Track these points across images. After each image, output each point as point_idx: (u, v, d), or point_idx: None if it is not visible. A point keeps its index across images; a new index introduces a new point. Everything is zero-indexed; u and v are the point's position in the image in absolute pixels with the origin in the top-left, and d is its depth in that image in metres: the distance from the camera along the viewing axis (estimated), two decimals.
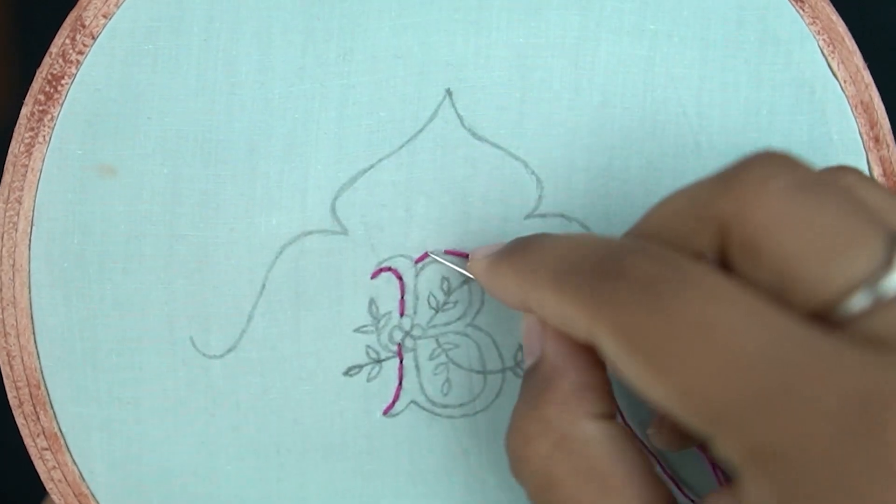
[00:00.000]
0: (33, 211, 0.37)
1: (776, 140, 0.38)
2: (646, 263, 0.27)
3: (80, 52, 0.37)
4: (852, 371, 0.24)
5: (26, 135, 0.37)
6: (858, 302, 0.26)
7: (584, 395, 0.30)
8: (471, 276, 0.36)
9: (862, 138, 0.38)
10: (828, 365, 0.24)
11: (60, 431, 0.38)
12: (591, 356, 0.30)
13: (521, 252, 0.32)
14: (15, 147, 0.37)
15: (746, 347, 0.25)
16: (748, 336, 0.25)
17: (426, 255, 0.38)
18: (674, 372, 0.25)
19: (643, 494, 0.28)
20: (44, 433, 0.38)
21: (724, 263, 0.28)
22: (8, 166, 0.37)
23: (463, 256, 0.38)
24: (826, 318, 0.26)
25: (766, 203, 0.27)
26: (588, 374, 0.30)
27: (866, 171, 0.38)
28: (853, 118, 0.38)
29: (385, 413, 0.39)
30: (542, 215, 0.38)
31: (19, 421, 0.38)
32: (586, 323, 0.28)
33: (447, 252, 0.38)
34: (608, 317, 0.27)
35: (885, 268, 0.26)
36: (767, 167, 0.27)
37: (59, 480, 0.38)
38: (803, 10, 0.38)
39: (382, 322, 0.38)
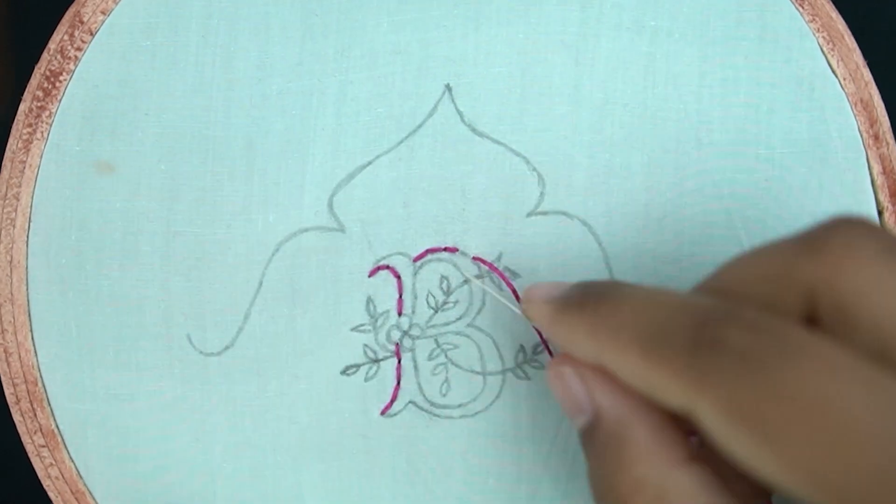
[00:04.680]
0: (31, 207, 0.37)
1: (776, 137, 0.38)
2: (744, 332, 0.26)
3: (79, 49, 0.37)
4: None
5: (24, 131, 0.37)
6: None
7: (663, 445, 0.29)
8: (521, 314, 0.34)
9: (861, 136, 0.38)
10: None
11: (57, 428, 0.38)
12: (652, 404, 0.30)
13: (594, 306, 0.30)
14: (13, 143, 0.37)
15: (869, 422, 0.24)
16: (870, 410, 0.24)
17: (426, 252, 0.38)
18: (788, 448, 0.24)
19: None
20: (41, 430, 0.38)
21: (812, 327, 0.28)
22: (6, 162, 0.37)
23: (486, 264, 0.38)
24: None
25: (859, 268, 0.26)
26: (659, 422, 0.30)
27: (865, 169, 0.38)
28: (853, 115, 0.38)
29: (383, 413, 0.38)
30: (544, 213, 0.38)
31: (16, 418, 0.37)
32: (682, 395, 0.27)
33: (475, 259, 0.38)
34: (710, 391, 0.26)
35: None
36: (853, 232, 0.27)
37: (56, 477, 0.38)
38: (803, 8, 0.38)
39: (380, 321, 0.38)
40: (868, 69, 0.38)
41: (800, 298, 0.28)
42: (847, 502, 0.24)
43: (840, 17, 0.38)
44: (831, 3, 0.38)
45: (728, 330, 0.26)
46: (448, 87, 0.37)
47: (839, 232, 0.27)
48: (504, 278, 0.37)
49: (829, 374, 0.24)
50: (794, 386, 0.24)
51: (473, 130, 0.37)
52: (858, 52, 0.38)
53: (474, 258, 0.38)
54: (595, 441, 0.30)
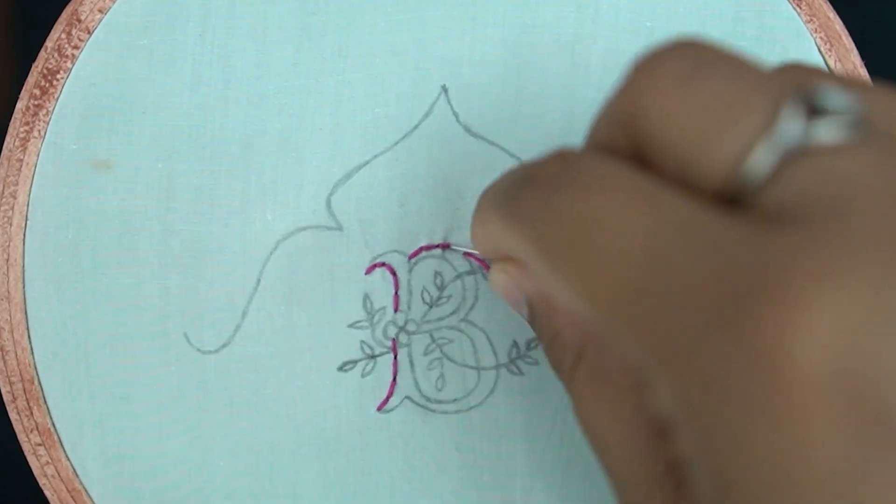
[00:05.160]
0: (28, 205, 0.37)
1: None
2: (549, 164, 0.25)
3: (76, 47, 0.37)
4: (731, 250, 0.21)
5: (21, 129, 0.37)
6: (755, 170, 0.23)
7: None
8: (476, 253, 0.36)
9: None
10: (705, 246, 0.22)
11: (54, 427, 0.38)
12: None
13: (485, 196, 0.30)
14: (10, 141, 0.37)
15: (628, 236, 0.23)
16: (630, 224, 0.23)
17: (420, 250, 0.38)
18: (571, 270, 0.24)
19: None
20: (37, 428, 0.38)
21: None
22: (3, 160, 0.37)
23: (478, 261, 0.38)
24: (739, 199, 0.24)
25: (656, 90, 0.25)
26: None
27: None
28: None
29: (379, 409, 0.39)
30: None
31: (13, 416, 0.37)
32: (514, 243, 0.26)
33: (465, 255, 0.38)
34: (521, 228, 0.26)
35: (771, 125, 0.23)
36: (659, 56, 0.25)
37: (53, 476, 0.38)
38: (800, 8, 0.38)
39: (377, 317, 0.38)
40: (865, 70, 0.38)
41: (623, 134, 0.26)
42: (627, 321, 0.23)
43: (837, 17, 0.38)
44: (829, 3, 0.38)
45: (534, 168, 0.26)
46: (444, 88, 0.37)
47: (647, 57, 0.25)
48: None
49: (602, 195, 0.24)
50: (571, 209, 0.24)
51: (468, 131, 0.37)
52: (856, 52, 0.38)
53: (465, 254, 0.38)
54: (534, 325, 0.31)
